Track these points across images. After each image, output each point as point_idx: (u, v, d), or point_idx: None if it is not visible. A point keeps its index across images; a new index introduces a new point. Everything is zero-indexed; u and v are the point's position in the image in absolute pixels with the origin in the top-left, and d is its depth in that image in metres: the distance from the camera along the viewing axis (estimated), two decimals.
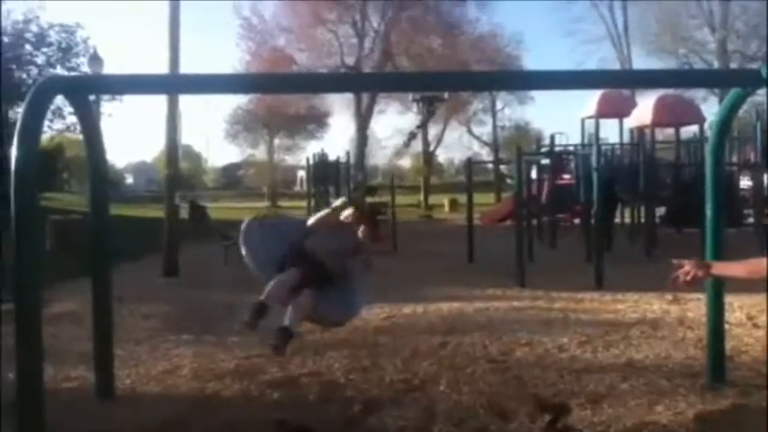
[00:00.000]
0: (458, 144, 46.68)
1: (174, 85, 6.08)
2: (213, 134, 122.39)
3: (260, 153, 47.71)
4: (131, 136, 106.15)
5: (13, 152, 3.66)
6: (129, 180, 69.20)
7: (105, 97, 22.15)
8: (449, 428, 4.24)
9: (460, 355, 5.86)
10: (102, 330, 4.87)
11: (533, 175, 16.93)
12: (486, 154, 44.82)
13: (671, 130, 19.36)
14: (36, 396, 3.69)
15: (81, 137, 5.11)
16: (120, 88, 7.34)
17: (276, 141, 45.57)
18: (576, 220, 16.74)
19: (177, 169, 12.90)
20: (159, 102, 12.58)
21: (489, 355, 5.86)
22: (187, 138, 64.43)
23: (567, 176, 17.90)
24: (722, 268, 3.12)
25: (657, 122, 16.81)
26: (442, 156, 54.89)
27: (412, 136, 8.45)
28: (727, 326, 5.19)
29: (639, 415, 4.28)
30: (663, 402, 4.48)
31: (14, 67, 22.45)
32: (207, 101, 52.33)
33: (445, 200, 33.26)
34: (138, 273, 11.16)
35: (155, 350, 6.22)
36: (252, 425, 4.30)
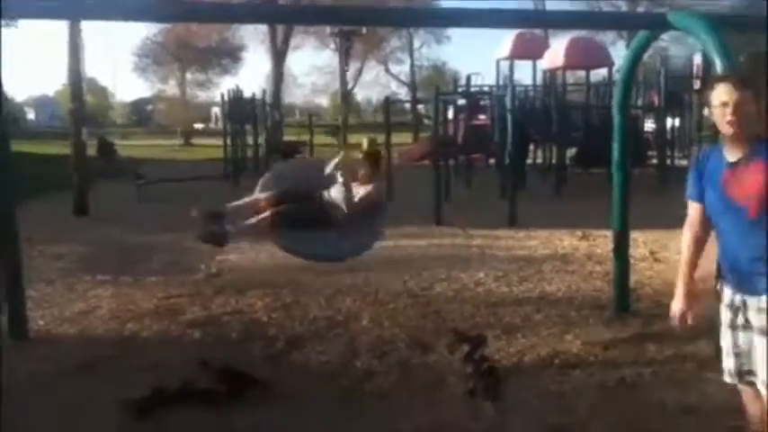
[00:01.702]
0: (375, 83, 46.48)
1: (73, 8, 5.68)
2: (120, 67, 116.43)
3: (171, 88, 45.79)
4: (31, 68, 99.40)
5: None
6: (31, 115, 65.02)
7: None
8: (371, 362, 4.35)
9: (382, 291, 5.98)
10: (12, 270, 4.68)
11: (450, 115, 17.10)
12: (404, 94, 44.80)
13: (582, 73, 19.92)
14: None
15: None
16: (17, 10, 6.79)
17: (188, 76, 43.78)
18: (491, 160, 17.12)
19: (82, 103, 12.29)
20: (60, 30, 11.81)
21: (410, 290, 6.01)
22: (92, 70, 61.15)
23: (482, 117, 18.18)
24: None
25: (569, 65, 17.28)
26: (359, 95, 54.57)
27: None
28: (631, 260, 5.49)
29: (552, 344, 4.53)
30: (573, 332, 4.75)
31: None
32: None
33: (364, 139, 33.13)
34: (46, 212, 10.68)
35: (69, 291, 6.04)
36: (174, 365, 4.26)
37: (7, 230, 4.67)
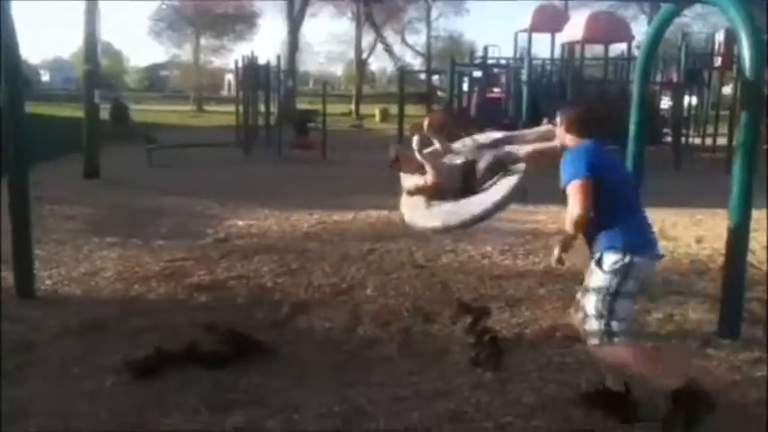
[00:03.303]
0: (389, 57, 45.95)
1: None
2: (135, 32, 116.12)
3: (185, 54, 45.57)
4: (46, 30, 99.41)
5: None
6: (45, 77, 65.22)
7: None
8: (374, 330, 4.37)
9: (388, 260, 5.99)
10: (21, 229, 4.71)
11: (465, 87, 16.95)
12: (419, 64, 44.31)
13: (600, 48, 19.62)
14: None
15: None
16: None
17: (202, 42, 43.54)
18: None
19: (97, 65, 12.26)
20: None
21: (415, 261, 6.01)
22: (107, 35, 60.98)
23: (497, 90, 18.02)
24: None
25: (588, 38, 16.97)
26: (374, 65, 54.12)
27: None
28: None
29: (554, 317, 4.53)
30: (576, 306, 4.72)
31: None
32: None
33: (376, 109, 32.98)
34: (56, 174, 10.75)
35: (77, 252, 6.08)
36: (179, 327, 4.29)
37: (18, 191, 4.70)
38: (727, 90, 18.49)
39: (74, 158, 11.79)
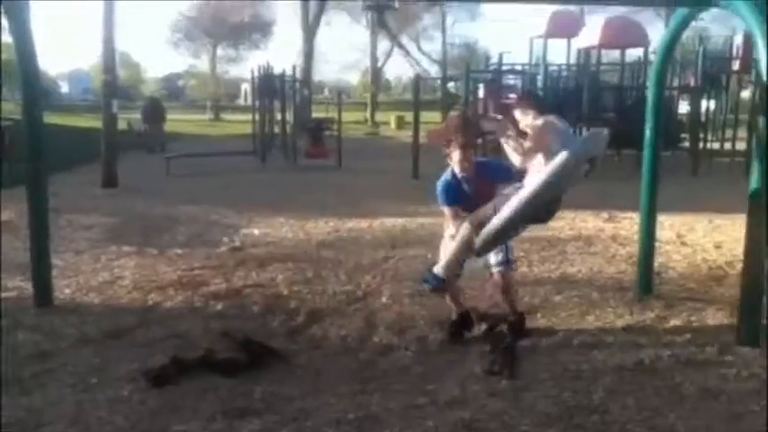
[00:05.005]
0: (406, 61, 46.04)
1: None
2: (153, 42, 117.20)
3: (202, 63, 46.02)
4: (65, 41, 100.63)
5: None
6: (64, 89, 65.92)
7: None
8: (390, 337, 4.36)
9: (403, 268, 5.98)
10: (39, 240, 4.77)
11: (480, 94, 16.94)
12: (434, 72, 44.32)
13: (616, 53, 19.52)
14: None
15: (9, 39, 4.82)
16: None
17: (219, 51, 43.92)
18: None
19: (115, 76, 12.41)
20: (95, 5, 11.96)
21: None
22: (126, 46, 61.68)
23: (512, 96, 17.95)
24: None
25: (605, 44, 16.91)
26: (389, 72, 54.24)
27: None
28: (657, 243, 5.38)
29: (570, 324, 4.49)
30: (593, 313, 4.70)
31: None
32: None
33: (392, 117, 33.02)
34: (75, 183, 10.88)
35: (95, 261, 6.14)
36: (196, 336, 4.32)
37: (37, 202, 4.75)
38: (746, 94, 18.30)
39: (92, 168, 11.93)
